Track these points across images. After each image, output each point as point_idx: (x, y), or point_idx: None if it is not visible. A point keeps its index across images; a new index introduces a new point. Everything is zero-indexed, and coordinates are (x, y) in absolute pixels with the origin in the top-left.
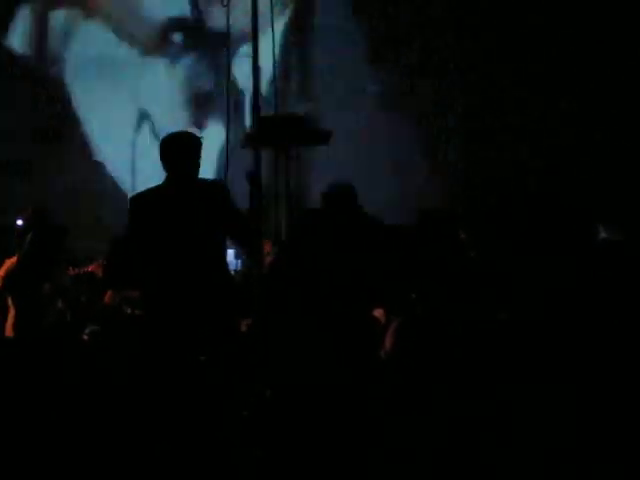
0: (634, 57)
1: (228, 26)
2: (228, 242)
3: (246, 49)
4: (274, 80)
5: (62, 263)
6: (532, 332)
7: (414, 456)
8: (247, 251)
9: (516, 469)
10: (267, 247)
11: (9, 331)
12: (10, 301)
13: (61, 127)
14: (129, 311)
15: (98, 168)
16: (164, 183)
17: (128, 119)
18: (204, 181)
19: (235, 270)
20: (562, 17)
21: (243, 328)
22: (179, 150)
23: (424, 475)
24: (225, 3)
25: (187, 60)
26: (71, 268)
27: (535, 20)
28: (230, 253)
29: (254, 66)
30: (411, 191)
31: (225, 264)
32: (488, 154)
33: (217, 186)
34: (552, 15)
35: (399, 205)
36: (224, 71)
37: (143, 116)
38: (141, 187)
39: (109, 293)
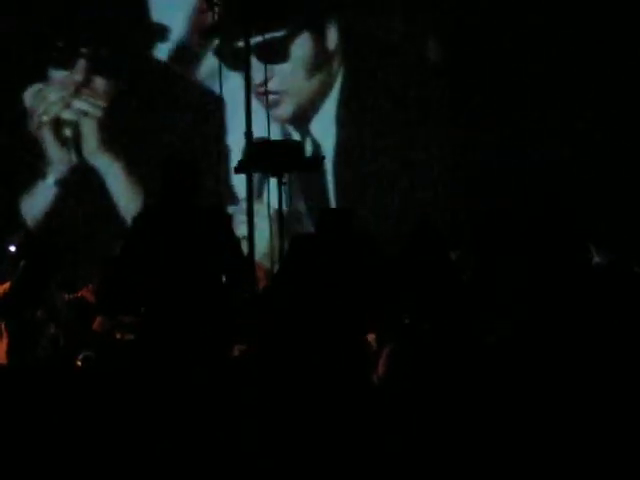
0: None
1: None
2: None
3: None
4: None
5: (55, 287)
6: (521, 355)
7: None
8: (234, 284)
9: None
10: (260, 272)
11: (2, 357)
12: (3, 327)
13: None
14: (119, 336)
15: None
16: (163, 204)
17: None
18: (206, 207)
19: None
20: (560, 15)
21: (236, 353)
22: (180, 173)
23: None
24: None
25: None
26: (66, 295)
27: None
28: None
29: (247, 89)
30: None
31: (219, 289)
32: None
33: (217, 211)
34: (550, 12)
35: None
36: None
37: None
38: None
39: (99, 320)
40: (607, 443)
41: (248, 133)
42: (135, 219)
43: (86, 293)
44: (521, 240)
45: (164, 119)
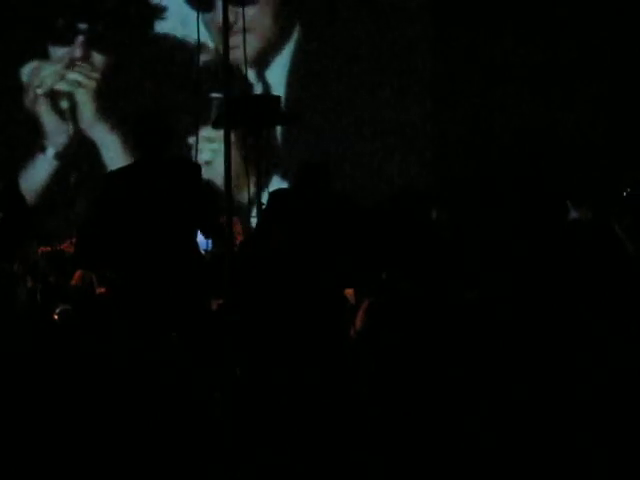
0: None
1: None
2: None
3: None
4: (245, 61)
5: (32, 241)
6: (501, 311)
7: (384, 433)
8: (209, 237)
9: (486, 446)
10: (237, 227)
11: None
12: None
13: None
14: (102, 290)
15: None
16: (135, 161)
17: None
18: (177, 159)
19: (205, 250)
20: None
21: (214, 307)
22: (150, 128)
23: (394, 454)
24: None
25: None
26: (42, 247)
27: None
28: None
29: (225, 43)
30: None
31: (195, 243)
32: (462, 125)
33: (189, 165)
34: None
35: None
36: None
37: None
38: None
39: (79, 273)
40: (584, 391)
41: (226, 87)
42: (108, 176)
43: (67, 247)
44: (499, 197)
45: (160, 92)
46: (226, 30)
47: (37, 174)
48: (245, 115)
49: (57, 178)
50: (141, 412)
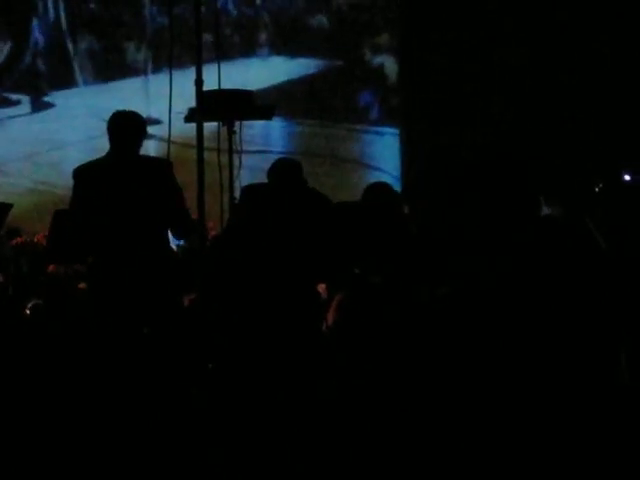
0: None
1: None
2: None
3: None
4: (218, 51)
5: (3, 236)
6: (471, 307)
7: (355, 427)
8: (177, 235)
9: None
10: (210, 222)
11: None
12: None
13: None
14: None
15: None
16: (107, 156)
17: None
18: (148, 157)
19: (177, 245)
20: None
21: (186, 303)
22: (124, 126)
23: (366, 448)
24: None
25: None
26: (17, 238)
27: None
28: None
29: (198, 35)
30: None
31: (166, 238)
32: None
33: (161, 162)
34: None
35: None
36: None
37: None
38: None
39: (52, 265)
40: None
41: (198, 81)
42: (78, 170)
43: (41, 239)
44: (471, 192)
45: None
46: None
47: None
48: (218, 109)
49: None
50: (113, 407)
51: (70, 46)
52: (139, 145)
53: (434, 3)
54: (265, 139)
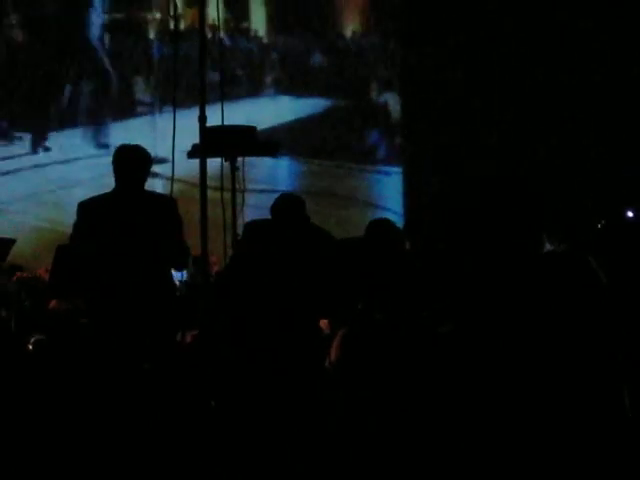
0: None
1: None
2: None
3: None
4: (221, 86)
5: (6, 272)
6: (475, 344)
7: (359, 464)
8: (174, 265)
9: None
10: (213, 258)
11: None
12: None
13: None
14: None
15: None
16: (112, 191)
17: None
18: (153, 193)
19: (180, 281)
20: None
21: (189, 339)
22: (128, 159)
23: None
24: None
25: None
26: (18, 273)
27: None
28: None
29: (201, 73)
30: None
31: (169, 275)
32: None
33: (165, 198)
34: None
35: None
36: None
37: None
38: None
39: (54, 301)
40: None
41: (201, 117)
42: (83, 205)
43: (43, 273)
44: (473, 228)
45: None
46: None
47: None
48: (221, 145)
49: None
50: (114, 443)
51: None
52: (144, 178)
53: (433, 42)
54: (271, 178)
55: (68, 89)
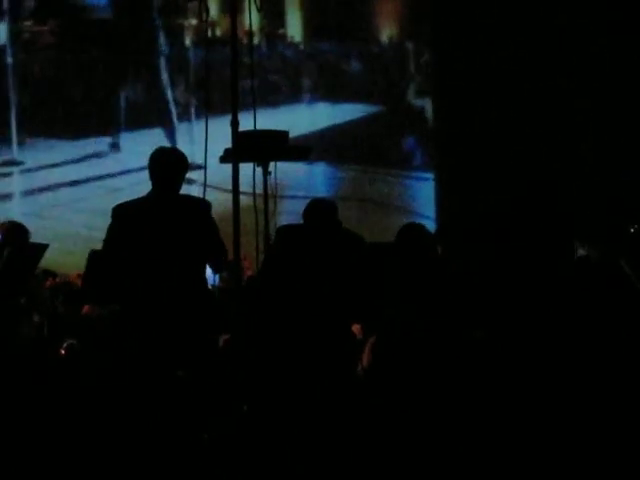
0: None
1: None
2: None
3: None
4: (253, 91)
5: (39, 277)
6: (508, 351)
7: (390, 471)
8: (213, 267)
9: None
10: (246, 263)
11: None
12: None
13: None
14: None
15: None
16: (147, 195)
17: None
18: (187, 197)
19: (213, 285)
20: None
21: (221, 343)
22: (165, 165)
23: None
24: None
25: None
26: (51, 279)
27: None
28: (208, 268)
29: (233, 78)
30: None
31: (204, 279)
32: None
33: (200, 202)
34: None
35: None
36: None
37: None
38: None
39: (88, 306)
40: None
41: (234, 122)
42: (118, 208)
43: (75, 279)
44: (506, 234)
45: None
46: None
47: None
48: (253, 150)
49: None
50: (147, 449)
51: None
52: (179, 181)
53: (465, 47)
54: (306, 184)
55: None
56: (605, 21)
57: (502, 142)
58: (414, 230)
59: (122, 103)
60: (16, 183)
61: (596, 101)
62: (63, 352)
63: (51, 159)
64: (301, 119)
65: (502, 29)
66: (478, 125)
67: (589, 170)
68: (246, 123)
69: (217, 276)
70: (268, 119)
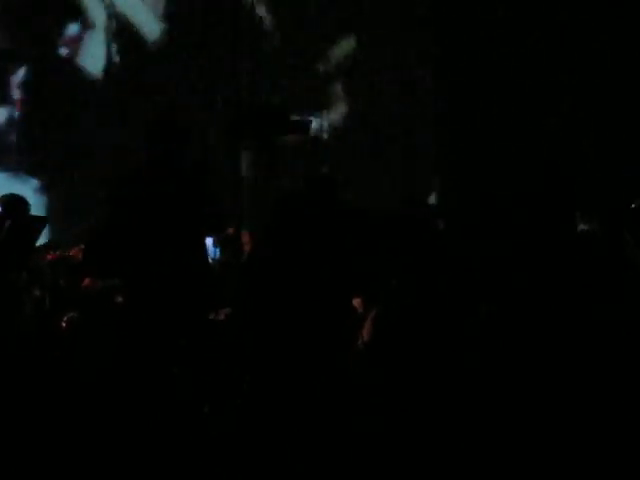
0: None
1: None
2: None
3: None
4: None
5: (40, 250)
6: (512, 324)
7: (391, 445)
8: (210, 229)
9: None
10: (245, 237)
11: None
12: None
13: None
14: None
15: None
16: (144, 166)
17: None
18: (185, 165)
19: (213, 258)
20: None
21: (222, 317)
22: (162, 133)
23: (401, 465)
24: None
25: None
26: (51, 252)
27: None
28: (209, 241)
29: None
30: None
31: (204, 252)
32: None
33: (197, 170)
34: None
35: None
36: None
37: None
38: None
39: (88, 279)
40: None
41: (236, 97)
42: (115, 180)
43: (76, 253)
44: (508, 208)
45: None
46: None
47: None
48: (254, 125)
49: None
50: (147, 421)
51: None
52: (181, 151)
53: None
54: None
55: None
56: (606, 17)
57: (503, 138)
58: (415, 204)
59: None
60: None
61: (598, 97)
62: (64, 325)
63: None
64: None
65: (504, 25)
66: (479, 121)
67: (590, 166)
68: None
69: (217, 249)
70: None
